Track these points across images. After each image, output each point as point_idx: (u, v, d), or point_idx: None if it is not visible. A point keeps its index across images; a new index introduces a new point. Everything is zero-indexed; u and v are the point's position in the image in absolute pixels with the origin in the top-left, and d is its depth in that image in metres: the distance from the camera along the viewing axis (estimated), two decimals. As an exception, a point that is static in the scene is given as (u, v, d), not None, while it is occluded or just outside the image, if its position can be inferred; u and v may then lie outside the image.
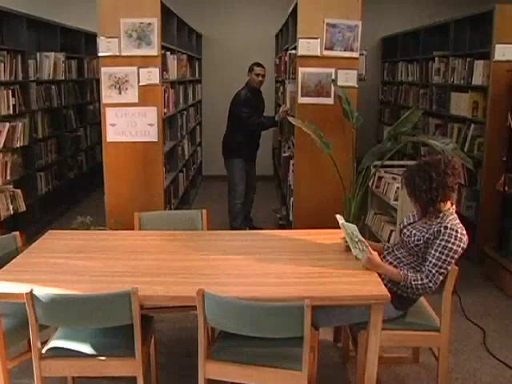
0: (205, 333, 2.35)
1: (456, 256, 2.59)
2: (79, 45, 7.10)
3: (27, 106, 5.36)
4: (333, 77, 4.32)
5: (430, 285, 2.58)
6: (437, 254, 2.58)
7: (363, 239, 2.67)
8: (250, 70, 5.40)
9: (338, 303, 2.53)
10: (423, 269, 2.63)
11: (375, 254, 2.68)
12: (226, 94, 8.28)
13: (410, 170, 2.71)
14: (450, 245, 2.57)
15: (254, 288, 2.51)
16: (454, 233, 2.58)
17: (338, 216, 2.90)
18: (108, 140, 4.29)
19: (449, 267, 2.60)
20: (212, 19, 8.13)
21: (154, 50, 4.20)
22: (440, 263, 2.57)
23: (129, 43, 4.16)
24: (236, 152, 5.46)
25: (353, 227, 2.71)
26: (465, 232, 2.63)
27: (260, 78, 5.38)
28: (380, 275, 2.64)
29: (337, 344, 3.42)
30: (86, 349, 2.48)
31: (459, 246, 2.58)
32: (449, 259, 2.57)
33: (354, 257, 2.79)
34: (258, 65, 5.40)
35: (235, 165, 5.44)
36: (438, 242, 2.59)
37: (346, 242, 2.87)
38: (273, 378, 2.36)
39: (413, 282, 2.59)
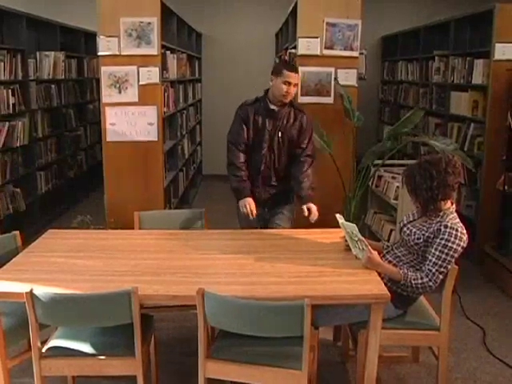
0: (205, 332, 2.35)
1: (456, 255, 2.59)
2: (79, 44, 7.09)
3: (27, 105, 5.36)
4: (333, 76, 4.32)
5: (430, 284, 2.58)
6: (437, 252, 2.58)
7: (363, 238, 2.67)
8: (276, 72, 3.37)
9: (337, 302, 2.53)
10: (423, 268, 2.63)
11: (375, 253, 2.68)
12: (225, 93, 8.35)
13: (411, 168, 2.71)
14: (450, 244, 2.57)
15: (253, 287, 2.51)
16: (454, 232, 2.58)
17: (337, 215, 2.90)
18: (108, 139, 4.30)
19: (449, 266, 2.60)
20: (212, 18, 8.13)
21: (153, 50, 4.20)
22: (440, 262, 2.57)
23: (128, 42, 4.16)
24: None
25: (352, 226, 2.71)
26: (465, 231, 2.63)
27: (288, 89, 3.33)
28: (380, 274, 2.64)
29: (336, 343, 3.42)
30: (86, 348, 2.48)
31: (459, 245, 2.58)
32: (449, 258, 2.57)
33: (353, 256, 2.79)
34: (290, 68, 3.39)
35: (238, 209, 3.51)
36: (438, 240, 2.59)
37: (346, 241, 2.87)
38: (273, 377, 2.36)
39: (413, 281, 2.59)
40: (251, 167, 3.50)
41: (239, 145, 3.47)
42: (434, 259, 2.59)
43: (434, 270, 2.58)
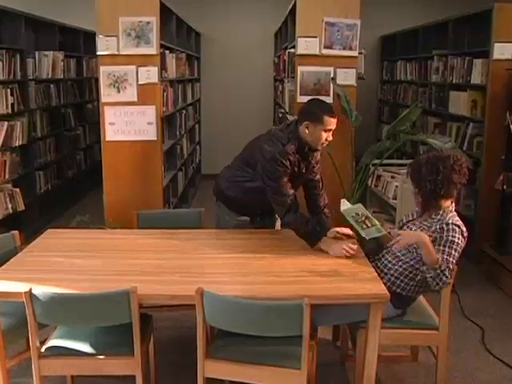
0: (204, 331, 2.35)
1: (460, 251, 2.58)
2: (78, 43, 7.09)
3: (26, 104, 5.36)
4: (332, 75, 4.32)
5: (449, 280, 2.54)
6: (446, 249, 2.54)
7: (371, 216, 2.66)
8: (314, 119, 2.94)
9: (337, 302, 2.53)
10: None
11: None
12: (224, 92, 8.36)
13: (419, 160, 2.71)
14: (456, 240, 2.56)
15: (253, 287, 2.51)
16: (457, 228, 2.58)
17: (342, 200, 2.86)
18: (107, 139, 4.29)
19: (454, 261, 2.56)
20: (211, 18, 8.12)
21: (152, 49, 4.19)
22: (451, 259, 2.53)
23: (127, 42, 4.15)
24: (232, 205, 3.32)
25: (355, 208, 2.67)
26: (465, 229, 2.63)
27: (328, 137, 2.99)
28: (379, 274, 2.65)
29: (336, 343, 3.42)
30: (85, 348, 2.48)
31: (463, 242, 2.59)
32: (456, 254, 2.56)
33: (353, 255, 2.79)
34: (331, 113, 2.97)
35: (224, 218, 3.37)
36: (444, 238, 2.57)
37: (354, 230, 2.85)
38: (272, 377, 2.36)
39: (442, 272, 2.50)
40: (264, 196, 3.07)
41: (290, 186, 3.00)
42: (445, 256, 2.53)
43: (451, 266, 2.52)
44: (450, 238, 2.57)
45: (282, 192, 2.96)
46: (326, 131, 2.95)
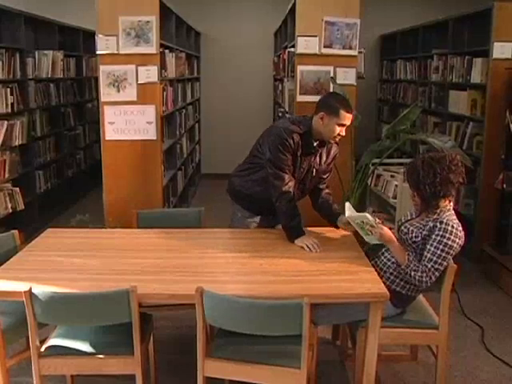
0: (203, 331, 2.35)
1: (452, 252, 2.58)
2: (77, 43, 7.08)
3: (25, 104, 5.36)
4: (331, 75, 4.32)
5: (425, 279, 2.58)
6: (432, 248, 2.58)
7: (374, 223, 2.71)
8: (331, 111, 2.97)
9: (336, 301, 2.53)
10: (420, 264, 2.63)
11: (386, 229, 2.73)
12: (224, 92, 8.37)
13: (415, 163, 2.70)
14: (445, 240, 2.56)
15: (252, 286, 2.51)
16: (449, 228, 2.58)
17: (347, 204, 2.90)
18: (107, 138, 4.29)
19: (444, 263, 2.59)
20: (210, 17, 8.12)
21: (152, 48, 4.19)
22: (435, 258, 2.57)
23: (127, 41, 4.15)
24: (244, 201, 3.39)
25: (361, 216, 2.74)
26: (461, 228, 2.63)
27: (341, 132, 3.02)
28: (379, 273, 2.65)
29: (335, 342, 3.42)
30: (85, 347, 2.48)
31: (454, 242, 2.57)
32: (444, 254, 2.56)
33: (352, 255, 2.81)
34: (348, 108, 3.00)
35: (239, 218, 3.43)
36: (433, 237, 2.59)
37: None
38: (271, 376, 2.36)
39: (412, 272, 2.59)
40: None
41: (290, 173, 3.05)
42: (429, 255, 2.59)
43: (429, 266, 2.57)
44: (439, 237, 2.57)
45: (280, 175, 3.01)
46: (339, 125, 2.98)
